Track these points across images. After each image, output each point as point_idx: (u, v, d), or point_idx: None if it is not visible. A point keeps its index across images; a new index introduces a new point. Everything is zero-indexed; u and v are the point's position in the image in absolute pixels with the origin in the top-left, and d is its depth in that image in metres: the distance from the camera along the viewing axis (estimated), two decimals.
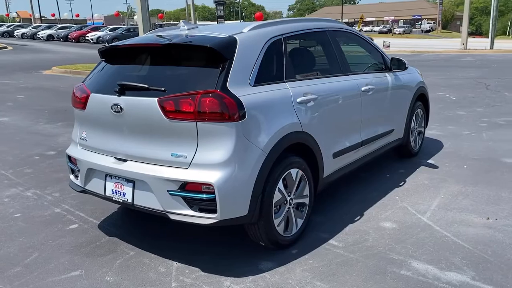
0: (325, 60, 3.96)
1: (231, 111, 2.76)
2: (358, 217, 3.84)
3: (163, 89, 2.91)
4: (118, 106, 3.06)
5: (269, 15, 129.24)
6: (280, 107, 3.15)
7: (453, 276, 2.89)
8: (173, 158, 2.89)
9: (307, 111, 3.36)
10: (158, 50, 3.22)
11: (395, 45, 31.42)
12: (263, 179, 2.95)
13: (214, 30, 3.37)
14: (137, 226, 3.80)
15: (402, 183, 4.65)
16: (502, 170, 4.98)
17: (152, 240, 3.51)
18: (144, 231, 3.70)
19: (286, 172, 3.15)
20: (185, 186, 2.83)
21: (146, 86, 2.97)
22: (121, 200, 3.14)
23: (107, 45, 3.56)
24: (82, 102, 3.36)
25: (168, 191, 2.87)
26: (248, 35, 3.20)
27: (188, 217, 2.87)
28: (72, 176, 3.62)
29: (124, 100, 3.04)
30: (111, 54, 3.48)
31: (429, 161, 5.39)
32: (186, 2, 63.11)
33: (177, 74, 3.09)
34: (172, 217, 2.92)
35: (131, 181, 3.07)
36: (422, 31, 73.86)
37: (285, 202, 3.22)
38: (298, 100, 3.30)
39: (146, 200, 3.00)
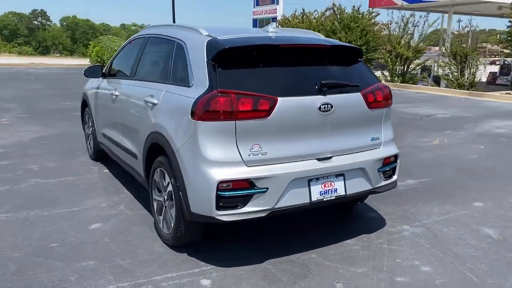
0: None
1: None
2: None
3: (358, 84, 3.25)
4: (328, 105, 3.03)
5: None
6: None
7: None
8: (371, 142, 3.36)
9: None
10: (317, 50, 3.31)
11: None
12: None
13: (312, 34, 3.75)
14: (231, 250, 3.37)
15: None
16: None
17: (280, 249, 3.36)
18: (255, 251, 3.37)
19: None
20: (383, 161, 3.40)
21: (347, 83, 3.18)
22: (333, 198, 3.12)
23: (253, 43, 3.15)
24: (264, 110, 2.85)
25: (378, 169, 3.33)
26: None
27: (384, 186, 3.45)
28: (221, 211, 2.84)
29: (332, 98, 3.06)
30: (262, 53, 3.09)
31: None
32: None
33: (337, 70, 3.34)
34: (380, 190, 3.39)
35: (341, 174, 3.15)
36: None
37: None
38: None
39: (357, 186, 3.25)
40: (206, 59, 3.00)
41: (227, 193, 2.82)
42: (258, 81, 3.01)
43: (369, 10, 24.05)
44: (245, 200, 2.86)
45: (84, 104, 5.76)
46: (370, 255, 3.27)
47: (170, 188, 3.20)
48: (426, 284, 2.90)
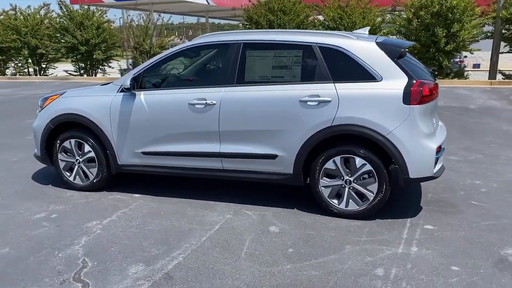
0: None
1: None
2: None
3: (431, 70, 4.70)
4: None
5: None
6: None
7: None
8: None
9: None
10: None
11: None
12: None
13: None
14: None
15: None
16: None
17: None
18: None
19: None
20: None
21: (431, 69, 4.57)
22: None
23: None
24: (436, 92, 3.99)
25: None
26: None
27: None
28: (433, 169, 3.88)
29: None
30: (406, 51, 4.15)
31: None
32: None
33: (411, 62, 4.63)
34: None
35: None
36: None
37: None
38: None
39: None
40: (389, 58, 3.82)
41: (436, 156, 3.85)
42: (416, 71, 4.05)
43: (97, 7, 23.88)
44: (437, 160, 3.96)
45: (56, 129, 4.86)
46: (454, 188, 4.85)
47: (366, 168, 3.86)
48: (503, 186, 4.77)
